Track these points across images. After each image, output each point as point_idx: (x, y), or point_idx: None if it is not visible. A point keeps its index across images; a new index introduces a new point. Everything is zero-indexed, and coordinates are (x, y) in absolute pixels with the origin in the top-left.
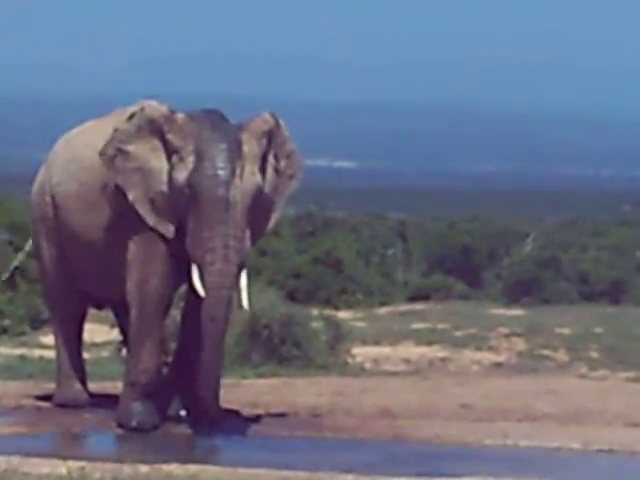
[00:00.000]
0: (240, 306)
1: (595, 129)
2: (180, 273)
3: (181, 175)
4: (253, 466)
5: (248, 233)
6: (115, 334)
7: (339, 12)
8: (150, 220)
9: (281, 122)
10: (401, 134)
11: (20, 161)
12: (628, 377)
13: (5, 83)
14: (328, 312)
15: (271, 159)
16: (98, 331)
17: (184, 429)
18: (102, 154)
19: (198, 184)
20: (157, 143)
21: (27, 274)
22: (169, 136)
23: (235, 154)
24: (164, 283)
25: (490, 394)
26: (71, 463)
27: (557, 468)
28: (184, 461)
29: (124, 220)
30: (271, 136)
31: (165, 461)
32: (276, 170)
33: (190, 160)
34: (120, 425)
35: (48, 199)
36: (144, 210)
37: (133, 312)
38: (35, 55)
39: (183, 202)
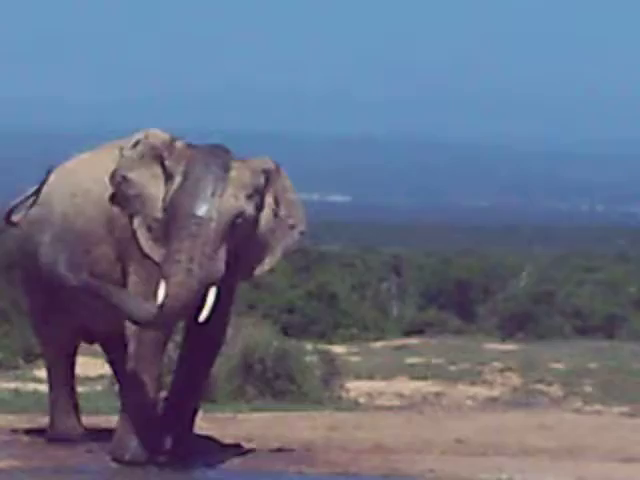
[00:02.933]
0: (195, 319)
1: (589, 164)
2: None
3: (168, 196)
4: None
5: (223, 254)
6: (109, 367)
7: (335, 44)
8: (146, 247)
9: (282, 170)
10: (396, 168)
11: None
12: (622, 412)
13: None
14: (322, 346)
15: (270, 200)
16: (92, 365)
17: (178, 463)
18: (111, 181)
19: (176, 200)
20: (158, 170)
21: (21, 308)
22: (167, 162)
23: (219, 176)
24: None
25: (484, 429)
26: None
27: None
28: None
29: (126, 252)
30: (269, 177)
31: None
32: (275, 214)
33: (177, 180)
34: (114, 459)
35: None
36: (143, 238)
37: (131, 346)
38: (26, 88)
39: (168, 222)
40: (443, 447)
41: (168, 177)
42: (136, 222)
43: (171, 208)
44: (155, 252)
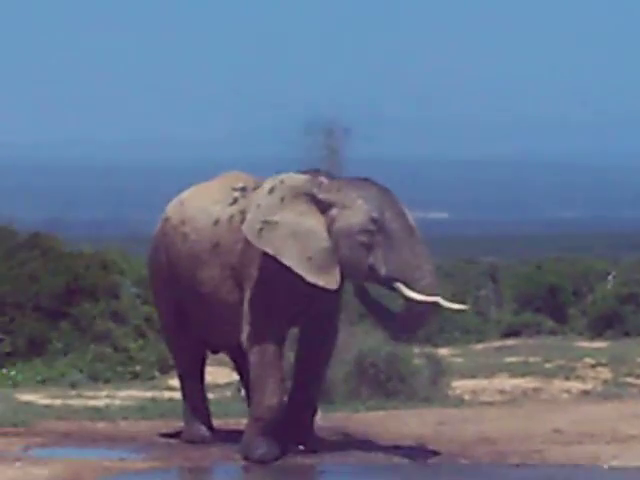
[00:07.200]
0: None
1: None
2: (293, 316)
3: (355, 219)
4: None
5: None
6: (236, 375)
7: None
8: (310, 277)
9: None
10: (490, 186)
11: (138, 222)
12: None
13: (119, 154)
14: (429, 349)
15: None
16: (221, 373)
17: (301, 460)
18: (247, 230)
19: (384, 218)
20: (304, 207)
21: (154, 324)
22: (322, 196)
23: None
24: (280, 328)
25: (579, 419)
26: None
27: None
28: None
29: (241, 274)
30: None
31: None
32: None
33: (359, 204)
34: (245, 457)
35: (163, 257)
36: (303, 270)
37: (253, 356)
38: (139, 129)
39: (366, 241)
40: (542, 437)
41: (327, 207)
42: (289, 260)
43: (376, 226)
44: (323, 279)
